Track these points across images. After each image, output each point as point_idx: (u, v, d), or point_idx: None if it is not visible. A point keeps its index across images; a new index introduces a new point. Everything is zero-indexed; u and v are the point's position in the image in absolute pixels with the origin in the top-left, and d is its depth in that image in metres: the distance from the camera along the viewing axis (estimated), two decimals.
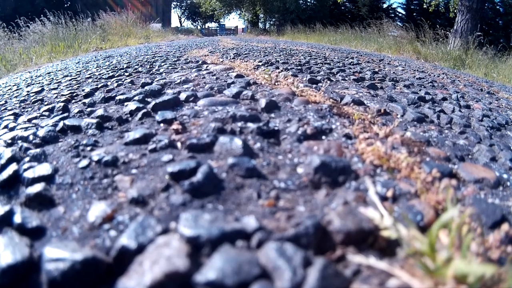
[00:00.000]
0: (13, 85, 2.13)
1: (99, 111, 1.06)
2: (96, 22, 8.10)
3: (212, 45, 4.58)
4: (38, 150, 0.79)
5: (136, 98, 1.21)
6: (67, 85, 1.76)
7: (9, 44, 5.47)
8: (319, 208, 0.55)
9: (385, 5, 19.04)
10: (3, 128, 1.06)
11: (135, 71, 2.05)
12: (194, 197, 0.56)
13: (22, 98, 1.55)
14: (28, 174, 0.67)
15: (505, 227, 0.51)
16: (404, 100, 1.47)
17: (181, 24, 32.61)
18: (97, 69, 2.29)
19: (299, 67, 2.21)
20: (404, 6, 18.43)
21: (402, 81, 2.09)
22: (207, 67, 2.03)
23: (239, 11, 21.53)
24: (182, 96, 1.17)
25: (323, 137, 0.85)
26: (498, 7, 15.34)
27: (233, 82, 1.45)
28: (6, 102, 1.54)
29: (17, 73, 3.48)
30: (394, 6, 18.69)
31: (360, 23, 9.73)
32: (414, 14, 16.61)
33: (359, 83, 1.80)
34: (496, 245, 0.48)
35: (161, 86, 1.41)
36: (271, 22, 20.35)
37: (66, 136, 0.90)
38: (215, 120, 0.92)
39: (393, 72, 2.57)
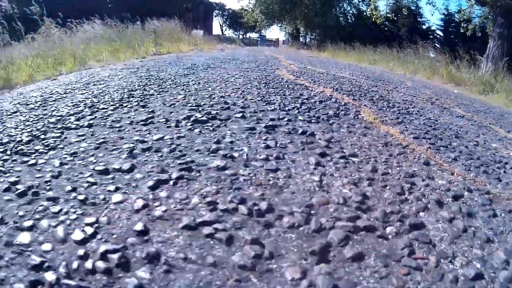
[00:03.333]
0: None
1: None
2: (145, 26, 8.38)
3: (274, 64, 5.27)
4: None
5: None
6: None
7: (70, 40, 5.43)
8: None
9: (424, 27, 19.30)
10: None
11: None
12: None
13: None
14: None
15: None
16: None
17: (222, 33, 33.64)
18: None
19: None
20: (442, 28, 18.82)
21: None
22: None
23: (280, 24, 22.27)
24: None
25: None
26: None
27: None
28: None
29: (89, 69, 3.97)
30: (433, 28, 18.66)
31: (400, 43, 10.35)
32: (452, 36, 16.96)
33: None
34: None
35: None
36: (312, 37, 20.97)
37: None
38: None
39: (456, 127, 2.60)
